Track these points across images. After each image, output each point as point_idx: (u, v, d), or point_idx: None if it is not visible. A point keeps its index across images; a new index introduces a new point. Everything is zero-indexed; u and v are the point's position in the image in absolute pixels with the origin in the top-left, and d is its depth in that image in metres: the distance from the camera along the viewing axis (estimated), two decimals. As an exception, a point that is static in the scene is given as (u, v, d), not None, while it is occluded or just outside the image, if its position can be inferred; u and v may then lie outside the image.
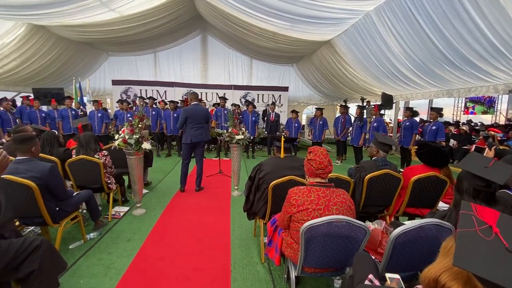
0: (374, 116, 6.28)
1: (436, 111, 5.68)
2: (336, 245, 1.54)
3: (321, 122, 7.01)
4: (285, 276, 2.03)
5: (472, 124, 9.61)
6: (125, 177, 3.84)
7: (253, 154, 7.52)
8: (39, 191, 2.13)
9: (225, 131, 4.52)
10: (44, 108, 7.68)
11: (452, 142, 7.65)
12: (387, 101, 7.78)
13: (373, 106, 7.21)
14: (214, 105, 8.54)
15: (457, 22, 3.89)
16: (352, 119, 7.05)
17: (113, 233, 2.91)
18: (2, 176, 2.02)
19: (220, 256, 2.55)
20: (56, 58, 8.13)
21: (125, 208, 3.53)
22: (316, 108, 7.29)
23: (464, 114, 12.73)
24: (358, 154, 6.24)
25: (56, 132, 3.24)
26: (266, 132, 7.63)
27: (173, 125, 7.20)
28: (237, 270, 2.34)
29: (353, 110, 8.43)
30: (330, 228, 1.47)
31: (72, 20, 6.59)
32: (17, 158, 2.26)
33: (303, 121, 11.57)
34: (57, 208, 2.35)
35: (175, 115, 7.18)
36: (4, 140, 4.48)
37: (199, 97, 4.36)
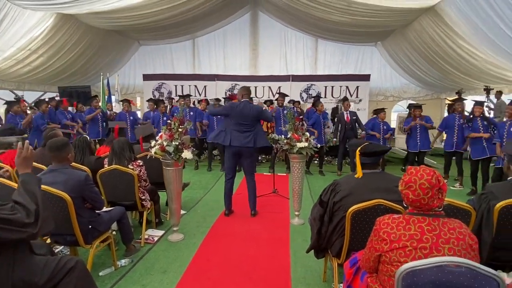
0: (506, 118, 5.61)
1: None
2: (450, 300, 1.46)
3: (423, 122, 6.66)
4: None
5: None
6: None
7: (320, 169, 7.49)
8: (73, 204, 2.53)
9: (282, 136, 4.64)
10: (70, 109, 8.98)
11: None
12: (531, 92, 6.94)
13: (508, 102, 6.47)
14: (265, 102, 8.79)
15: None
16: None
17: (146, 261, 3.24)
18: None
19: (278, 303, 2.62)
20: (84, 50, 9.51)
21: (160, 232, 3.89)
22: (411, 105, 6.98)
23: None
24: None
25: (88, 138, 3.80)
26: (335, 139, 7.56)
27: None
28: (302, 325, 2.37)
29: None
30: (441, 275, 1.41)
31: (103, 6, 7.65)
32: (51, 166, 2.73)
33: (393, 123, 11.02)
34: (90, 226, 2.75)
35: (218, 116, 7.63)
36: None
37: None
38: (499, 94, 8.14)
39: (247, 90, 4.62)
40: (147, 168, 3.69)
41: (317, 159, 7.70)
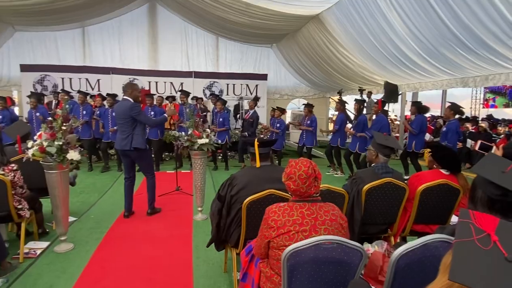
0: (375, 115, 6.62)
1: (453, 109, 5.82)
2: (326, 273, 1.64)
3: (308, 122, 7.24)
4: (266, 320, 2.10)
5: (492, 120, 10.44)
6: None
7: (226, 165, 7.57)
8: None
9: (183, 133, 4.54)
10: None
11: (470, 142, 8.22)
12: (392, 93, 8.27)
13: (375, 101, 7.59)
14: (167, 98, 8.48)
15: (471, -1, 4.29)
16: (352, 116, 7.40)
17: (26, 278, 2.81)
18: None
19: (180, 300, 2.57)
20: None
21: (44, 244, 3.42)
22: (303, 104, 7.58)
23: (483, 107, 13.84)
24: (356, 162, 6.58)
25: None
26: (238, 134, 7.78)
27: (112, 127, 7.05)
28: (203, 318, 2.37)
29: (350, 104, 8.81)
30: (318, 252, 1.57)
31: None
32: None
33: (288, 119, 11.85)
34: None
35: (113, 114, 7.02)
36: None
37: (143, 87, 4.36)
38: (369, 94, 9.50)
39: (128, 86, 4.18)
40: (24, 173, 3.18)
41: (221, 155, 7.77)
